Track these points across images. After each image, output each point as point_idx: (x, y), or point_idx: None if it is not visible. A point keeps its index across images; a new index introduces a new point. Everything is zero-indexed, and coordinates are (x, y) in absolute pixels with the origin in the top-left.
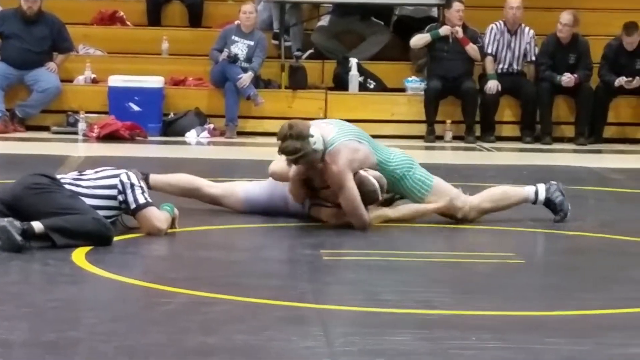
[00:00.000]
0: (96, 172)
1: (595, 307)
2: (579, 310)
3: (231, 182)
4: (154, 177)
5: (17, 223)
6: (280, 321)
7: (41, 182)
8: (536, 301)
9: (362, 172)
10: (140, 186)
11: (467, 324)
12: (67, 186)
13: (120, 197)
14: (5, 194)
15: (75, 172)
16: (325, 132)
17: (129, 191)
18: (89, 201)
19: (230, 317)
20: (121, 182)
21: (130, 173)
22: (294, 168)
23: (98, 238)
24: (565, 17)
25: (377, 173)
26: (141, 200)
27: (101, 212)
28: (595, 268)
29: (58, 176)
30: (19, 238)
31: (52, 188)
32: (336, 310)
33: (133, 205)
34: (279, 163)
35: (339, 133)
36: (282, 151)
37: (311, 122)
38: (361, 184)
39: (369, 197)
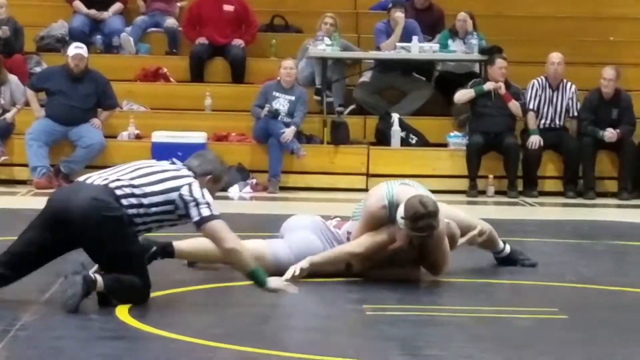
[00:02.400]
0: (153, 182)
1: None
2: None
3: (253, 242)
4: (177, 244)
5: (89, 280)
6: None
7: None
8: (579, 357)
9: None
10: (205, 201)
11: None
12: (125, 190)
13: (179, 212)
14: (54, 207)
15: (129, 173)
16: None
17: (191, 205)
18: (147, 210)
19: None
20: (181, 197)
21: (192, 185)
22: (402, 238)
23: (137, 301)
24: (608, 72)
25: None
26: (206, 213)
27: (157, 222)
28: (638, 323)
29: (112, 178)
30: (79, 301)
31: (115, 227)
32: None
33: (196, 219)
34: (364, 242)
35: (425, 192)
36: (419, 230)
37: (399, 187)
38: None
39: (454, 243)
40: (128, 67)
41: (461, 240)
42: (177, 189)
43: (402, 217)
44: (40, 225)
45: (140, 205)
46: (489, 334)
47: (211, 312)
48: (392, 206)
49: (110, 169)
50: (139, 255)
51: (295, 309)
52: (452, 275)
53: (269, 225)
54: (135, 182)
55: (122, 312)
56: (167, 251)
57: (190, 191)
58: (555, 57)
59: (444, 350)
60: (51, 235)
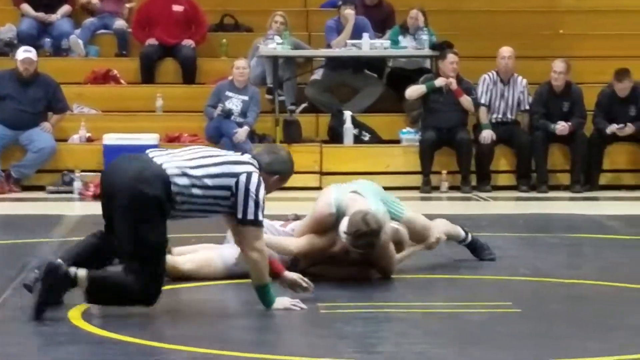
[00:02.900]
0: (210, 164)
1: (593, 354)
2: (572, 358)
3: (201, 249)
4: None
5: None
6: None
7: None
8: (532, 350)
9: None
10: (256, 200)
11: None
12: (177, 170)
13: (233, 200)
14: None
15: (188, 153)
16: (365, 205)
17: (241, 197)
18: (198, 191)
19: None
20: (236, 184)
21: (251, 177)
22: (342, 245)
23: (138, 303)
24: (559, 65)
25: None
26: (250, 216)
27: (209, 205)
28: (593, 315)
29: (167, 158)
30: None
31: (148, 207)
32: None
33: (239, 216)
34: (307, 242)
35: (374, 202)
36: (359, 247)
37: (349, 195)
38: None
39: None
40: (78, 69)
41: (415, 249)
42: (235, 175)
43: (344, 232)
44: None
45: (192, 186)
46: (442, 330)
47: (165, 314)
48: (339, 215)
49: (170, 150)
50: (159, 250)
51: (250, 308)
52: (405, 272)
53: (223, 227)
54: (192, 163)
55: (76, 316)
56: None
57: (248, 181)
58: (506, 51)
59: (397, 346)
60: (105, 208)
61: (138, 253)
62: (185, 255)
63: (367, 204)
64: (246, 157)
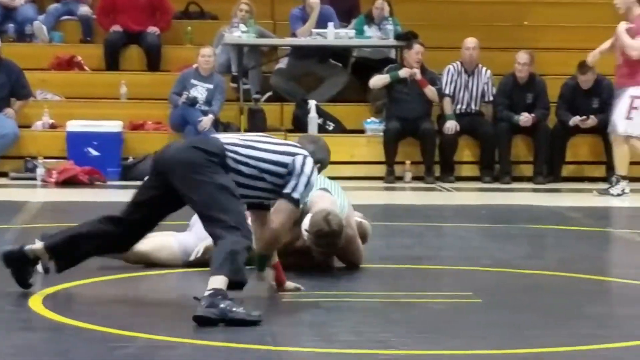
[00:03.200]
0: (274, 142)
1: (549, 344)
2: (532, 348)
3: (159, 234)
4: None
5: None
6: None
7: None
8: (490, 340)
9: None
10: (307, 182)
11: None
12: (235, 147)
13: (286, 180)
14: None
15: (249, 136)
16: (329, 204)
17: (295, 175)
18: (250, 161)
19: None
20: (293, 162)
21: (307, 160)
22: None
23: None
24: (522, 56)
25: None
26: (296, 195)
27: (252, 179)
28: (552, 306)
29: (227, 140)
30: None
31: (205, 162)
32: (294, 352)
33: (287, 190)
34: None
35: (341, 200)
36: (320, 246)
37: (317, 192)
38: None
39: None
40: (41, 55)
41: None
42: (293, 154)
43: (306, 230)
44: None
45: (246, 156)
46: (403, 319)
47: (125, 302)
48: (304, 210)
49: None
50: (235, 195)
51: None
52: (367, 262)
53: (188, 215)
54: (251, 143)
55: (36, 302)
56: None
57: (304, 163)
58: (470, 42)
59: (358, 335)
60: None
61: (218, 208)
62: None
63: (333, 202)
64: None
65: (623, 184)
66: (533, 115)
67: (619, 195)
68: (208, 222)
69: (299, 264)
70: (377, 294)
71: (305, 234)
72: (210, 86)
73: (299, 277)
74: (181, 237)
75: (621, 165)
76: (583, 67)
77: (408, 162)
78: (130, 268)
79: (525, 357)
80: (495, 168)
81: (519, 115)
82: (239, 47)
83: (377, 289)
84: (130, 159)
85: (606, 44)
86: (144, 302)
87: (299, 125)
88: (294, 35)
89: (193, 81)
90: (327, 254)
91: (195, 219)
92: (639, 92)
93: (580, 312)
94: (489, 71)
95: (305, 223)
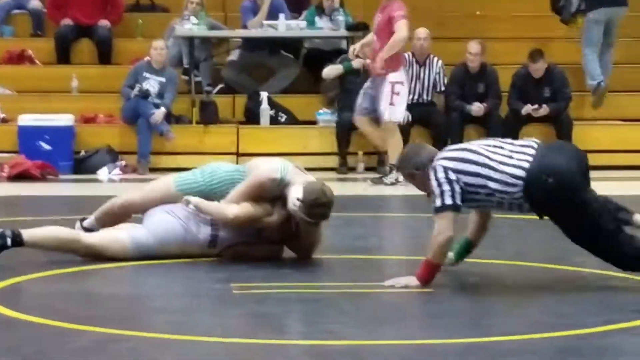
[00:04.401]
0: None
1: (505, 333)
2: (481, 337)
3: (111, 229)
4: (27, 232)
5: None
6: (188, 356)
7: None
8: (440, 329)
9: None
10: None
11: (372, 352)
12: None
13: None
14: None
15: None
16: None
17: None
18: (498, 176)
19: (137, 353)
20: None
21: None
22: (280, 215)
23: None
24: (474, 46)
25: None
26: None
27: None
28: (506, 295)
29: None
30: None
31: None
32: (244, 344)
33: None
34: (244, 209)
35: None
36: (312, 216)
37: (297, 171)
38: None
39: None
40: None
41: None
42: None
43: (298, 199)
44: None
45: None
46: (354, 310)
47: (76, 295)
48: (282, 183)
49: None
50: None
51: (162, 289)
52: (318, 253)
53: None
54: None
55: None
56: (16, 240)
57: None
58: (422, 32)
59: (309, 326)
60: None
61: None
62: (93, 233)
63: (310, 178)
64: None
65: (397, 173)
66: (485, 104)
67: (392, 184)
68: None
69: (249, 255)
70: (329, 284)
71: (296, 203)
72: (163, 79)
73: (249, 269)
74: (134, 232)
75: (395, 154)
76: (534, 55)
77: (361, 152)
78: (81, 262)
79: (478, 345)
80: None
81: (471, 105)
82: (190, 40)
83: (328, 280)
84: (83, 153)
85: (368, 38)
86: (96, 296)
87: (251, 117)
88: (245, 27)
89: (145, 74)
90: (314, 225)
91: (150, 213)
92: (398, 78)
93: (532, 301)
94: (440, 61)
95: (297, 192)
